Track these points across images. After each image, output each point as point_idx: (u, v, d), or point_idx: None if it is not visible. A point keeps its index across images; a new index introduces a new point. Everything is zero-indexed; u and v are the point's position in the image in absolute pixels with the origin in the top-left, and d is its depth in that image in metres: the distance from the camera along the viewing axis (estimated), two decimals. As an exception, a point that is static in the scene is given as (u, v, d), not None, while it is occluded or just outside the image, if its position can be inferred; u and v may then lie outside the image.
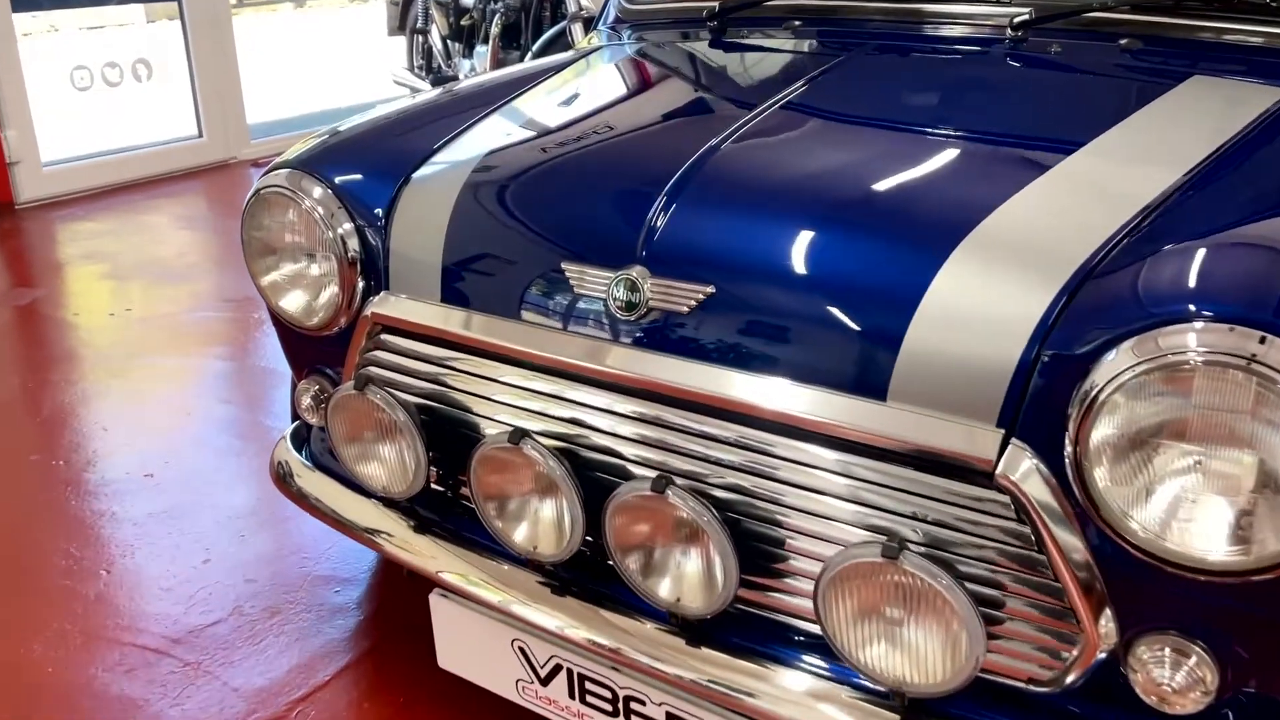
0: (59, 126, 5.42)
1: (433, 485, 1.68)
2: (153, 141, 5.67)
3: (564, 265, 1.45)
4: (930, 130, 1.59)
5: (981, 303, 1.20)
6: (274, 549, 2.37)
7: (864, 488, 1.24)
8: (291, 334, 1.82)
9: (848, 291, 1.27)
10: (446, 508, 1.69)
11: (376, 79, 7.03)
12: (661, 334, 1.37)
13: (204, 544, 2.41)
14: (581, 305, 1.44)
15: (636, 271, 1.37)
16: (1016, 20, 1.78)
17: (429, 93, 2.12)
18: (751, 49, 2.05)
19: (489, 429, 1.55)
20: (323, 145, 1.82)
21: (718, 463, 1.34)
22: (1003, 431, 1.17)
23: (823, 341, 1.27)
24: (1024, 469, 1.16)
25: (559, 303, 1.46)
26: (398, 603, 2.17)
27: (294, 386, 1.93)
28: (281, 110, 7.15)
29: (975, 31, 1.86)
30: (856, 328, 1.25)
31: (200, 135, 5.85)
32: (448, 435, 1.61)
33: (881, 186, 1.42)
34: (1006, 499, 1.17)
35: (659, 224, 1.40)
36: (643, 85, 2.06)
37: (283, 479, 1.91)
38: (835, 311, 1.27)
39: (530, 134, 1.81)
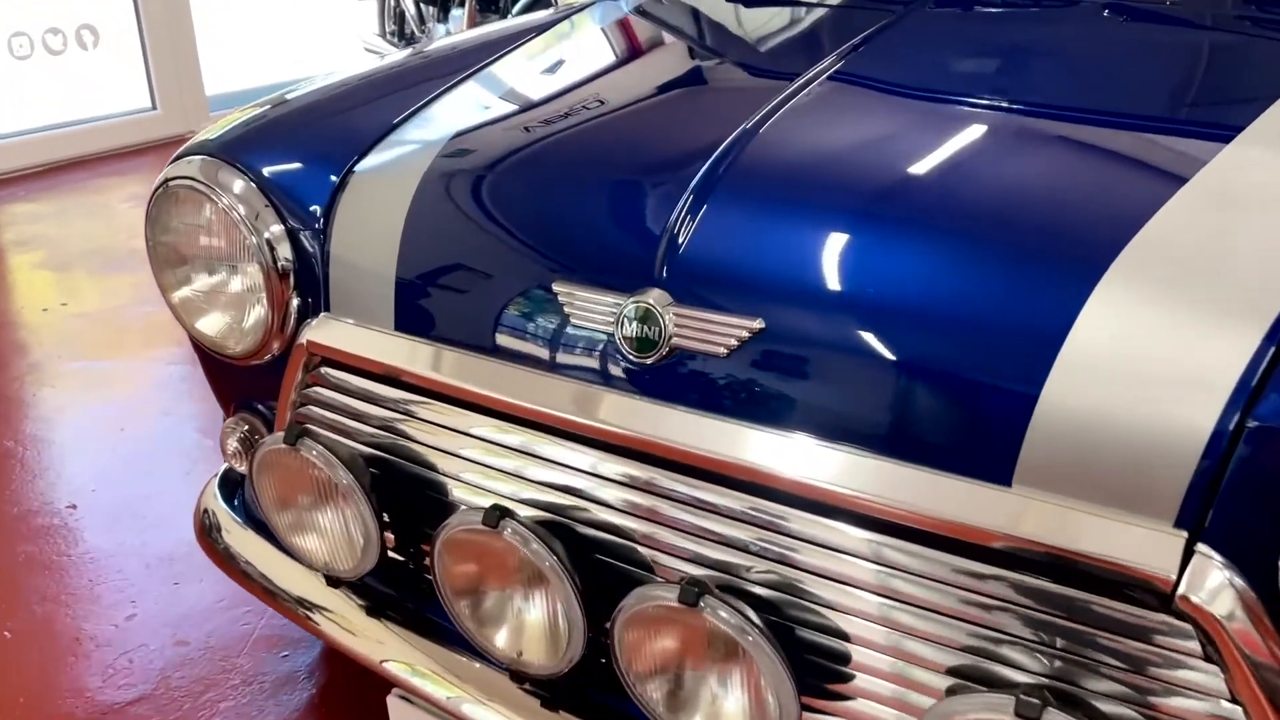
0: (-4, 98, 4.98)
1: (390, 554, 1.32)
2: (101, 115, 5.24)
3: (555, 286, 1.09)
4: (1030, 110, 1.22)
5: (1150, 350, 0.85)
6: (211, 600, 2.01)
7: (978, 607, 0.89)
8: (213, 362, 1.46)
9: (955, 331, 0.91)
10: (409, 583, 1.34)
11: (349, 45, 6.60)
12: (688, 383, 1.01)
13: (130, 594, 2.05)
14: (578, 340, 1.08)
15: (653, 297, 1.02)
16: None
17: (383, 59, 1.74)
18: (783, 2, 1.68)
19: (458, 496, 1.20)
20: (246, 125, 1.45)
21: (766, 559, 0.99)
22: (1185, 535, 0.82)
23: (919, 402, 0.91)
24: (1217, 589, 0.81)
25: (548, 336, 1.10)
26: (356, 669, 1.81)
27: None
28: (244, 80, 6.69)
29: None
30: (968, 383, 0.90)
31: (154, 108, 5.41)
32: (406, 502, 1.25)
33: (987, 185, 1.05)
34: (1190, 629, 0.83)
35: (684, 232, 1.04)
36: (648, 49, 1.69)
37: (207, 533, 1.55)
38: (937, 360, 0.91)
39: (509, 109, 1.44)
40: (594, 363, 1.07)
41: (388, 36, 5.82)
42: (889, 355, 0.92)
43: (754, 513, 0.98)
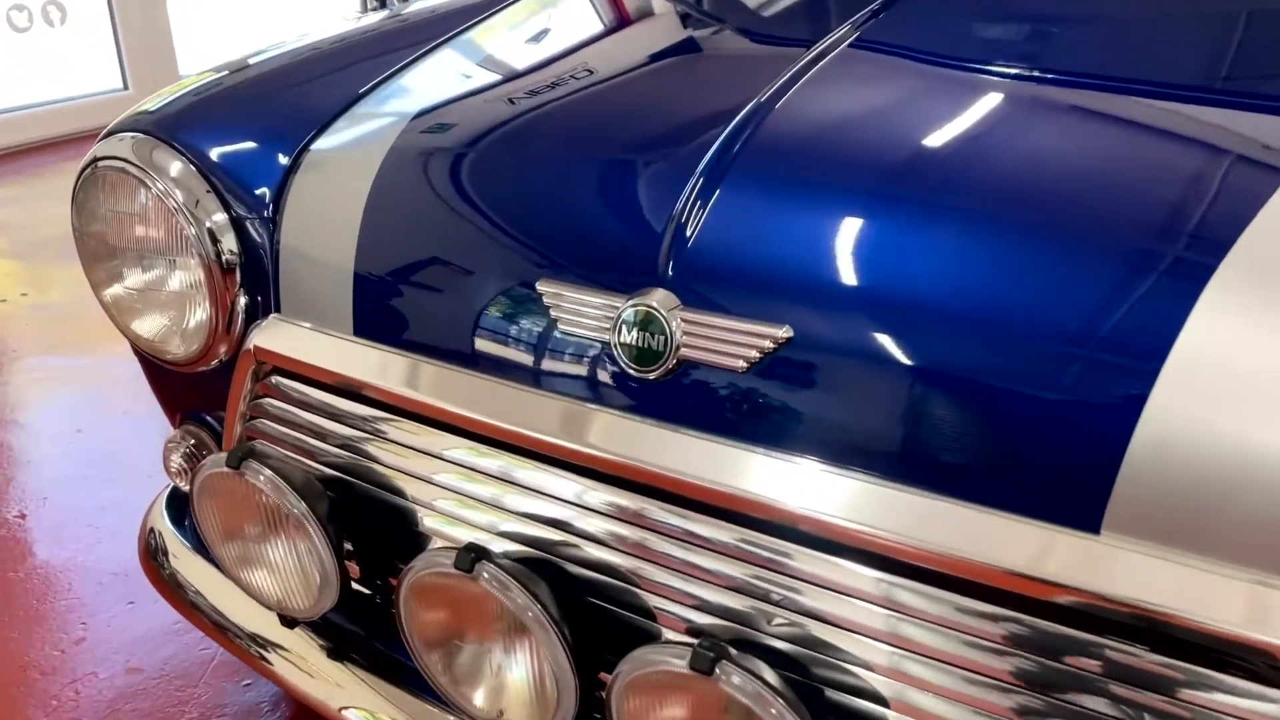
0: (-42, 79, 4.77)
1: (354, 586, 1.16)
2: (69, 95, 5.03)
3: (540, 286, 0.92)
4: (1086, 81, 1.04)
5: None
6: (168, 622, 1.84)
7: (1059, 679, 0.73)
8: (155, 368, 1.29)
9: (1032, 343, 0.75)
10: (378, 621, 1.17)
11: (332, 21, 6.37)
12: (698, 403, 0.84)
13: (81, 614, 1.88)
14: (567, 350, 0.91)
15: (657, 299, 0.85)
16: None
17: (344, 27, 1.57)
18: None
19: (430, 526, 1.03)
20: (189, 97, 1.27)
21: (792, 612, 0.82)
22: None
23: (988, 430, 0.75)
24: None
25: (531, 345, 0.93)
26: (326, 700, 1.64)
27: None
28: (221, 57, 6.49)
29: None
30: (1049, 406, 0.73)
31: (125, 88, 5.20)
32: (370, 533, 1.08)
33: (1057, 170, 0.87)
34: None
35: (693, 222, 0.87)
36: (644, 14, 1.51)
37: (151, 556, 1.38)
38: (1010, 378, 0.74)
39: (488, 80, 1.27)
40: (585, 377, 0.90)
41: (369, 8, 5.63)
42: (946, 372, 0.76)
43: (777, 558, 0.82)
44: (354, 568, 1.14)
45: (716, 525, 0.84)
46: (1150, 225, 0.78)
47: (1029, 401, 0.73)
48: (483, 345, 0.96)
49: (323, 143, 1.16)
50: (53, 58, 5.12)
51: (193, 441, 1.31)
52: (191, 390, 1.29)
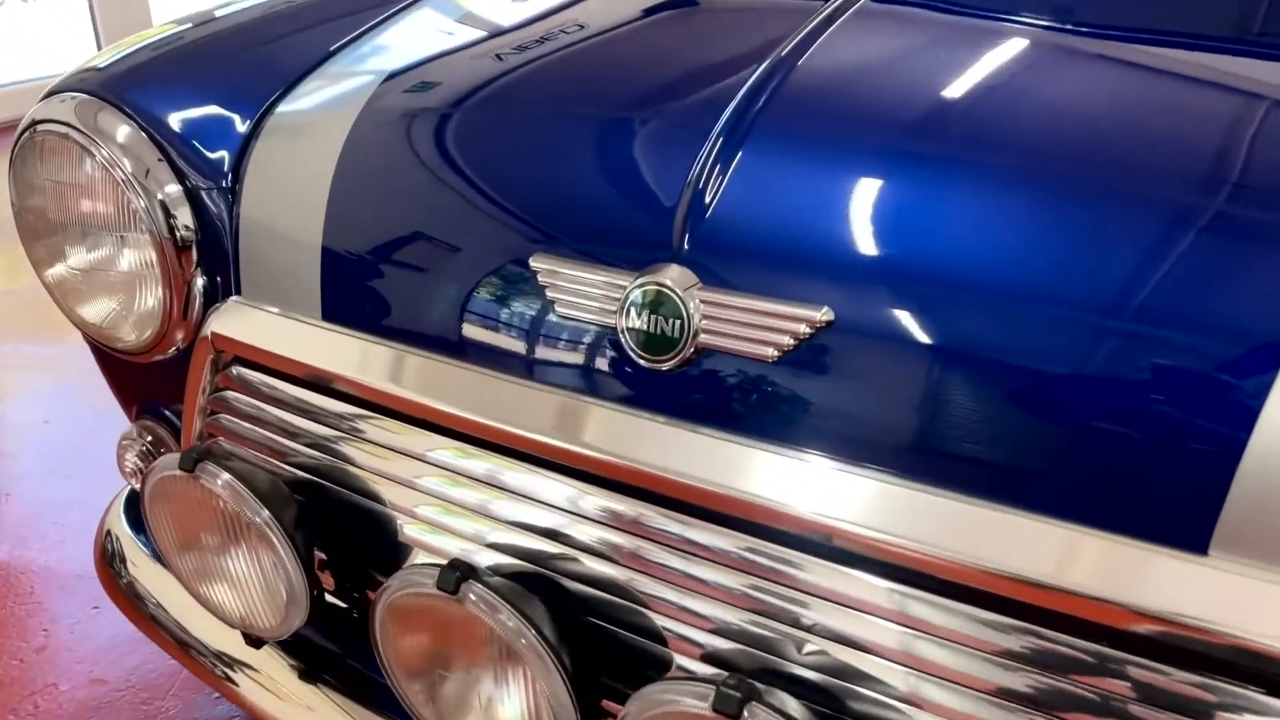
0: (-74, 56, 4.62)
1: (328, 598, 1.04)
2: (42, 75, 4.87)
3: (534, 262, 0.80)
4: (1159, 35, 0.92)
5: None
6: (135, 627, 1.72)
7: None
8: (107, 357, 1.16)
9: (1115, 330, 0.63)
10: (355, 636, 1.05)
11: None
12: (720, 398, 0.72)
13: (43, 619, 1.75)
14: (566, 336, 0.79)
15: (671, 276, 0.73)
16: None
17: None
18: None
19: (411, 535, 0.91)
20: (142, 53, 1.14)
21: (830, 640, 0.70)
22: None
23: (1072, 432, 0.62)
24: None
25: (524, 330, 0.81)
26: (304, 714, 1.52)
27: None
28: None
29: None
30: (1139, 403, 0.61)
31: (102, 66, 5.05)
32: (343, 542, 0.96)
33: (1153, 128, 0.75)
34: None
35: (712, 187, 0.75)
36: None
37: (108, 562, 1.26)
38: (1101, 371, 0.62)
39: (474, 34, 1.14)
40: (586, 368, 0.78)
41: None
42: (1018, 361, 0.64)
43: (812, 577, 0.70)
44: (328, 579, 1.02)
45: (739, 539, 0.73)
46: (1259, 201, 0.66)
47: (1127, 401, 0.61)
48: (467, 332, 0.84)
49: (288, 105, 1.04)
50: (25, 34, 4.97)
51: (150, 438, 1.18)
52: (147, 382, 1.17)
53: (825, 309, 0.68)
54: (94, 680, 1.62)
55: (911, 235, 0.69)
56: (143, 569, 1.22)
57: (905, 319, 0.66)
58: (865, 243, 0.70)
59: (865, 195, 0.72)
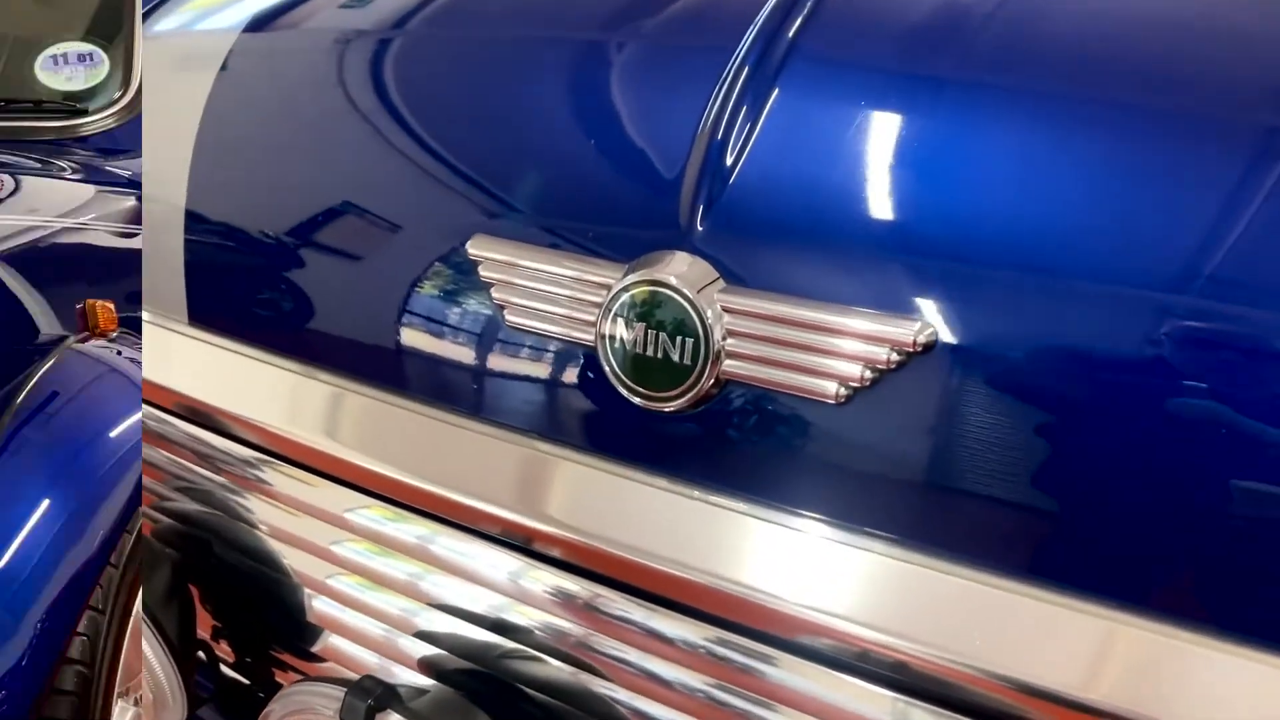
0: None
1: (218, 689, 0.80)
2: None
3: (473, 249, 0.55)
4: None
5: None
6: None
7: None
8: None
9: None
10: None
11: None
12: (757, 457, 0.48)
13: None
14: (520, 356, 0.55)
15: (677, 272, 0.48)
16: None
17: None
18: None
19: (319, 613, 0.67)
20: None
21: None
22: None
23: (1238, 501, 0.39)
24: None
25: (463, 347, 0.57)
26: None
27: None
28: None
29: None
30: None
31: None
32: (236, 618, 0.72)
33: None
34: None
35: (734, 142, 0.50)
36: None
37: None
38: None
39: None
40: (550, 404, 0.54)
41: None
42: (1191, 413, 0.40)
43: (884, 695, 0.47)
44: (228, 652, 0.78)
45: (768, 653, 0.49)
46: None
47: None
48: (385, 344, 0.59)
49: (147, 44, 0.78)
50: None
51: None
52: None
53: (922, 324, 0.44)
54: None
55: (1060, 208, 0.45)
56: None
57: (1040, 339, 0.42)
58: (976, 220, 0.46)
59: (970, 143, 0.48)
